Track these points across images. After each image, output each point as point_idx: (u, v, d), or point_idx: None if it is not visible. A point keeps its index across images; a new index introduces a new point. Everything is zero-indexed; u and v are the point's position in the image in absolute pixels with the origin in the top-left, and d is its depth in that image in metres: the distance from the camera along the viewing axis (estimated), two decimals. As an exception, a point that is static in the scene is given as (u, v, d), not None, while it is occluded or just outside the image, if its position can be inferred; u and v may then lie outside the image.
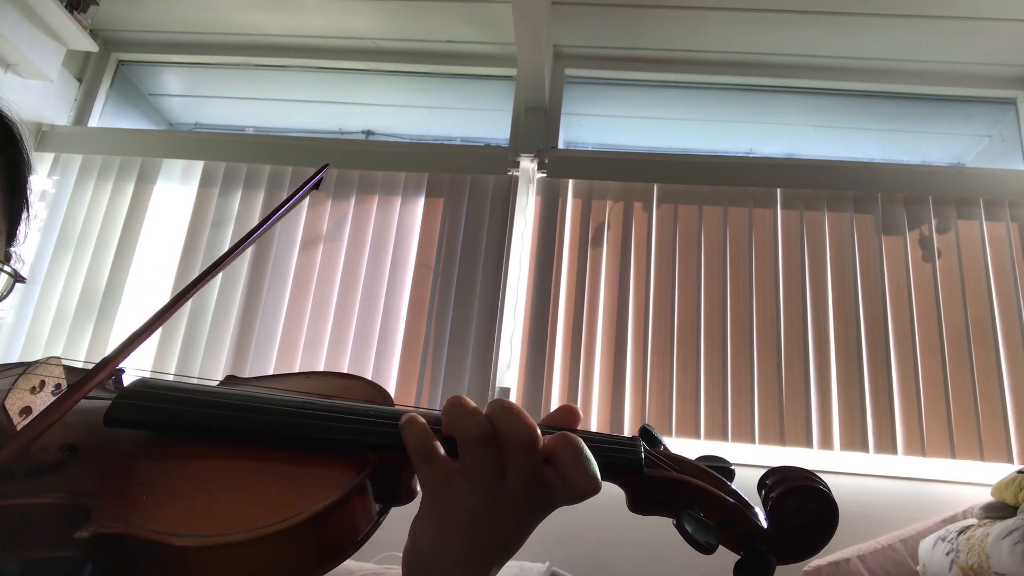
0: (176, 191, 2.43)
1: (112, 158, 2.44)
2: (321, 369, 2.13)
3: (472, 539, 0.44)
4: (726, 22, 2.24)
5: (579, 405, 2.02)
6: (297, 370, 2.14)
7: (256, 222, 2.30)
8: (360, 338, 2.17)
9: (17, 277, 0.57)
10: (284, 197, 2.37)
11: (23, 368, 0.49)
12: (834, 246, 2.16)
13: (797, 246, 2.17)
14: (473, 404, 0.45)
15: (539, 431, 0.44)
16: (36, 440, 0.40)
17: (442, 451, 0.45)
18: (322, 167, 0.73)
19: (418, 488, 0.51)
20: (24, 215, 0.61)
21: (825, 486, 0.48)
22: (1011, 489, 1.48)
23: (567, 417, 0.50)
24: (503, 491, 0.44)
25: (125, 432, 0.49)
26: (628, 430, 2.00)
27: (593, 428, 2.03)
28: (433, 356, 2.14)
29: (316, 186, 0.70)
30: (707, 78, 2.45)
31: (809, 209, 2.21)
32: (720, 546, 0.46)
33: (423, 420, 0.46)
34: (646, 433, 0.52)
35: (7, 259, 0.58)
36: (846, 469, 1.92)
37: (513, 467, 0.44)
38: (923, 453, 1.92)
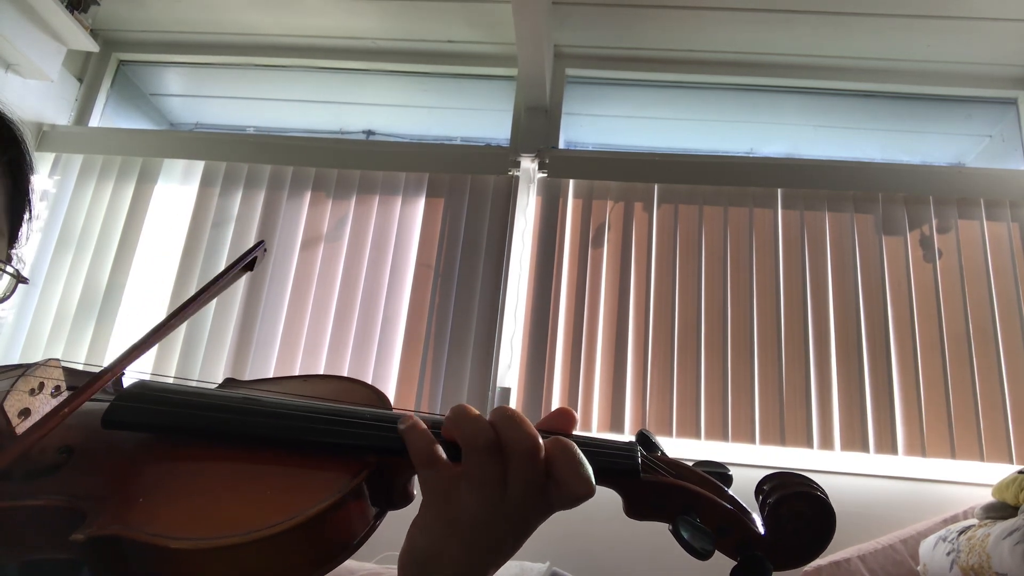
0: (177, 191, 2.43)
1: (113, 158, 2.44)
2: (321, 370, 2.13)
3: (471, 544, 0.44)
4: (726, 22, 2.24)
5: (579, 406, 2.03)
6: (297, 371, 2.14)
7: (257, 222, 2.32)
8: (360, 339, 2.17)
9: (19, 278, 0.57)
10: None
11: (22, 370, 0.49)
12: (834, 246, 2.16)
13: (797, 246, 2.17)
14: (477, 412, 0.46)
15: (541, 440, 0.45)
16: (35, 446, 0.40)
17: (444, 456, 0.45)
18: (257, 243, 0.64)
19: (415, 492, 0.51)
20: (26, 216, 0.61)
21: (822, 492, 0.47)
22: (1012, 489, 1.48)
23: (562, 420, 0.50)
24: (505, 498, 0.44)
25: (123, 434, 0.49)
26: (629, 430, 2.00)
27: (594, 429, 2.03)
28: (433, 356, 2.14)
29: (250, 267, 0.62)
30: (707, 78, 2.45)
31: (809, 209, 2.21)
32: (717, 551, 0.46)
33: (425, 425, 0.46)
34: (643, 438, 0.52)
35: (8, 260, 0.57)
36: (846, 469, 1.91)
37: (515, 475, 0.44)
38: (923, 453, 1.92)
